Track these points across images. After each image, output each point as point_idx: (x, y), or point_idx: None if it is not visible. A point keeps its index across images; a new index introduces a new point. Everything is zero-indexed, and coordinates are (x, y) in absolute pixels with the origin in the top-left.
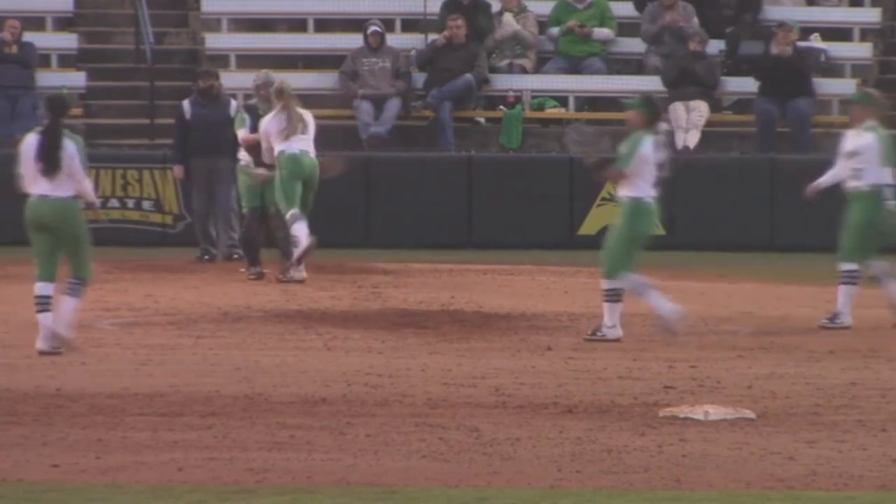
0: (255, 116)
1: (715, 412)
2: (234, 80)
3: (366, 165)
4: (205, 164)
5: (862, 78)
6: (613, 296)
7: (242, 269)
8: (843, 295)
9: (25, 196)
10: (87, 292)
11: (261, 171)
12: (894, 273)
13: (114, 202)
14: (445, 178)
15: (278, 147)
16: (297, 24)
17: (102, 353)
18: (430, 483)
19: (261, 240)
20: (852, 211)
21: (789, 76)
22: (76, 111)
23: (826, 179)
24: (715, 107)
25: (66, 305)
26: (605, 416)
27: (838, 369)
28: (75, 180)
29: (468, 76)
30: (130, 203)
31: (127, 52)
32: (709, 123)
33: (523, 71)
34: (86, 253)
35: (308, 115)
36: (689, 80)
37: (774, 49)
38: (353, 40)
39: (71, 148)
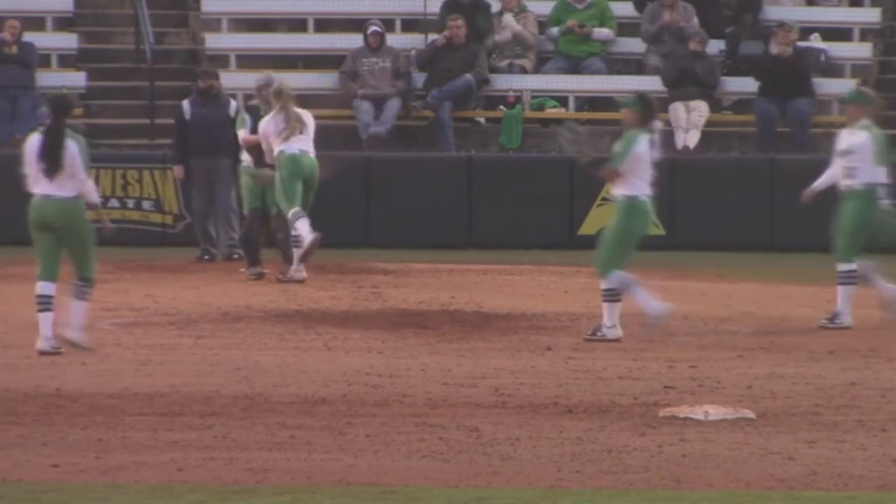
0: (256, 117)
1: (715, 412)
2: (234, 80)
3: (366, 165)
4: (205, 164)
5: (862, 78)
6: (613, 296)
7: (242, 269)
8: (842, 295)
9: (29, 196)
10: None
11: (265, 170)
12: (879, 271)
13: (114, 202)
14: (445, 178)
15: (278, 147)
16: (297, 24)
17: (102, 353)
18: (430, 483)
19: (261, 240)
20: (846, 210)
21: (789, 76)
22: (76, 111)
23: (822, 182)
24: (715, 107)
25: (77, 310)
26: (605, 416)
27: (838, 369)
28: (77, 180)
29: (468, 76)
30: (130, 203)
31: (127, 52)
32: (709, 123)
33: (523, 71)
34: (90, 253)
35: (307, 115)
36: (689, 80)
37: (774, 49)
38: (353, 40)
39: (73, 148)
